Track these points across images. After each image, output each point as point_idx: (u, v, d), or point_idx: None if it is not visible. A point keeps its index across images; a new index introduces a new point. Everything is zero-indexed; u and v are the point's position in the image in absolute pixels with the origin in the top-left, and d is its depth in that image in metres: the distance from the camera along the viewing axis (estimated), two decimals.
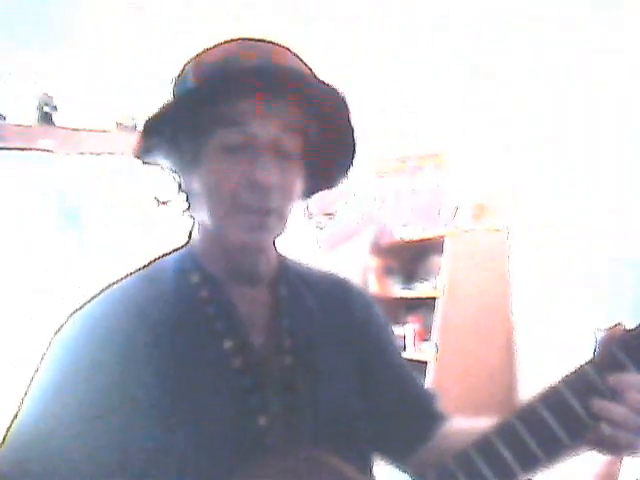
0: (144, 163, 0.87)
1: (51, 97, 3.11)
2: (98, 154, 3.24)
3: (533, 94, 3.01)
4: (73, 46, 2.87)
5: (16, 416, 0.79)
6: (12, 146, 3.09)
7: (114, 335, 0.79)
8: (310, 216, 3.76)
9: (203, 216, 0.85)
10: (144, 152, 0.85)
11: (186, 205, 0.88)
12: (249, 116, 0.80)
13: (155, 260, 0.91)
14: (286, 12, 2.58)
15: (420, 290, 3.47)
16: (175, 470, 0.76)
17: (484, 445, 0.71)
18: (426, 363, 3.10)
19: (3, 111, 3.05)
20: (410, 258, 3.66)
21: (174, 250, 0.91)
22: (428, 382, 3.05)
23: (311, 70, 0.86)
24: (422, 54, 2.96)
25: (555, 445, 0.69)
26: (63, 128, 3.14)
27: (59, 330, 0.83)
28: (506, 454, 0.69)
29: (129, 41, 2.86)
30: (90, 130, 3.20)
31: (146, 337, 0.80)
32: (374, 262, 3.70)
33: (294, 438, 0.81)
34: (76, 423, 0.76)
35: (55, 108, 3.11)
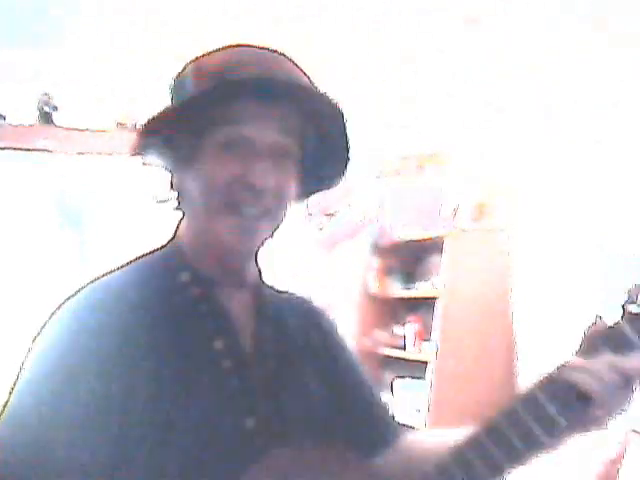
0: (142, 160, 0.88)
1: (51, 97, 3.11)
2: (98, 154, 3.24)
3: (532, 94, 3.01)
4: (73, 46, 2.87)
5: (11, 395, 0.77)
6: (12, 146, 3.09)
7: (104, 327, 0.77)
8: (310, 216, 3.76)
9: (195, 215, 0.85)
10: (140, 150, 0.86)
11: (176, 203, 0.88)
12: (247, 118, 0.81)
13: (140, 257, 0.89)
14: (286, 13, 2.58)
15: (420, 290, 3.47)
16: (162, 469, 0.75)
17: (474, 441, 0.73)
18: (426, 363, 3.10)
19: (3, 111, 3.06)
20: (410, 258, 3.66)
21: (159, 248, 0.90)
22: (428, 382, 3.06)
23: (309, 78, 0.87)
24: (423, 54, 2.96)
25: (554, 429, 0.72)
26: (63, 128, 3.15)
27: (48, 323, 0.81)
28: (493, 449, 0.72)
29: (129, 41, 2.86)
30: (90, 130, 3.20)
31: (135, 334, 0.78)
32: (374, 262, 3.69)
33: (281, 441, 0.81)
34: (69, 406, 0.74)
35: (55, 108, 3.11)
